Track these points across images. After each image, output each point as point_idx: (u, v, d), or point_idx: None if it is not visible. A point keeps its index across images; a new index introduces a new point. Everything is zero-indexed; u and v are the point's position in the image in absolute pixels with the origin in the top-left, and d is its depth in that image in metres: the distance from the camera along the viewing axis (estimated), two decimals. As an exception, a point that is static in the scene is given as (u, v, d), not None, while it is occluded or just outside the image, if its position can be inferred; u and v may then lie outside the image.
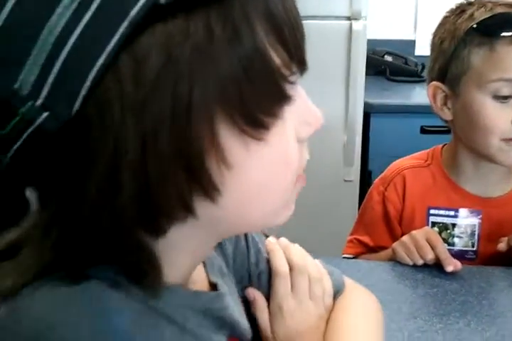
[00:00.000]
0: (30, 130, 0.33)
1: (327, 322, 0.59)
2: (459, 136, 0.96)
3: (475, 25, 0.88)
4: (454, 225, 0.98)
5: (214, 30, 0.32)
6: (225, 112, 0.33)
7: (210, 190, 0.36)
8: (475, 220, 0.97)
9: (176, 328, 0.40)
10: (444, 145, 1.03)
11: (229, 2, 0.32)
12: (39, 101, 0.32)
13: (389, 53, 2.17)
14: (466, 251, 0.98)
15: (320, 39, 1.77)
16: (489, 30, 0.87)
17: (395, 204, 1.01)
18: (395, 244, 0.93)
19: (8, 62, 0.31)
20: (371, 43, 2.13)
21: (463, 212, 0.97)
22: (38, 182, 0.35)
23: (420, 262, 0.90)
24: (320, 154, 1.87)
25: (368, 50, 2.15)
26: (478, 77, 0.88)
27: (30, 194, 0.36)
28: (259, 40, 0.33)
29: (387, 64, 2.16)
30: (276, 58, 0.34)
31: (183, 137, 0.33)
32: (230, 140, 0.35)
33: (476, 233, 0.97)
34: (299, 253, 0.60)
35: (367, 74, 2.15)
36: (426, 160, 1.01)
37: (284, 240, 0.62)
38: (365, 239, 1.03)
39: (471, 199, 0.97)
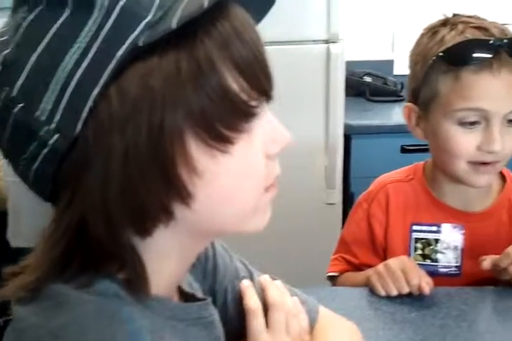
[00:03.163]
0: (45, 151, 0.42)
1: None
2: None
3: (441, 53, 0.90)
4: (436, 241, 1.01)
5: (181, 65, 0.41)
6: (193, 129, 0.42)
7: (184, 195, 0.44)
8: (458, 235, 1.00)
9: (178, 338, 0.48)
10: (427, 161, 1.07)
11: (194, 44, 0.41)
12: (52, 126, 0.42)
13: (368, 74, 2.23)
14: (450, 266, 1.02)
15: (298, 63, 1.82)
16: (455, 59, 0.90)
17: (380, 219, 1.04)
18: (370, 273, 0.95)
19: (34, 94, 0.42)
20: (350, 65, 2.19)
21: (445, 227, 1.00)
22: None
23: (394, 293, 0.92)
24: (301, 177, 1.90)
25: (348, 72, 2.21)
26: (445, 104, 0.91)
27: None
28: (220, 73, 0.42)
29: (367, 85, 2.22)
30: (236, 86, 0.43)
31: (158, 150, 0.42)
32: (198, 152, 0.43)
33: (459, 248, 1.01)
34: (276, 290, 0.64)
35: (347, 95, 2.20)
36: (408, 175, 1.05)
37: (265, 278, 0.65)
38: (350, 256, 1.06)
39: (453, 214, 1.01)
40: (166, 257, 0.48)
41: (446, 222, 1.00)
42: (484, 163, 0.92)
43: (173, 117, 0.41)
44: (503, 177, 1.04)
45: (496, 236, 1.01)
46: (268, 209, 0.50)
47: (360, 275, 1.01)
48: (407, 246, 1.02)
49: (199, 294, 0.56)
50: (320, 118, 1.84)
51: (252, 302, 0.63)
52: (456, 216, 1.00)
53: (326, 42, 1.77)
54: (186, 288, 0.56)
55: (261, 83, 0.45)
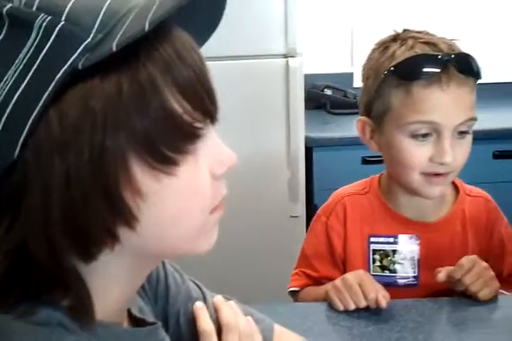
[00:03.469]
0: None
1: None
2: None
3: (392, 68, 0.93)
4: (394, 251, 1.03)
5: (123, 87, 0.41)
6: (136, 152, 0.42)
7: (129, 218, 0.43)
8: (414, 246, 1.02)
9: None
10: (382, 174, 1.09)
11: (136, 66, 0.41)
12: None
13: (328, 87, 2.26)
14: (408, 277, 1.03)
15: (258, 77, 1.84)
16: (405, 74, 0.92)
17: (339, 232, 1.05)
18: (329, 288, 0.96)
19: None
20: (311, 78, 2.22)
21: (402, 238, 1.02)
22: None
23: (352, 307, 0.93)
24: (265, 190, 1.91)
25: (308, 85, 2.24)
26: (397, 117, 0.94)
27: None
28: (162, 95, 0.42)
29: (327, 97, 2.25)
30: (179, 108, 0.43)
31: (100, 173, 0.41)
32: (142, 174, 0.43)
33: (416, 258, 1.02)
34: (230, 311, 0.64)
35: (308, 108, 2.23)
36: (364, 188, 1.07)
37: (218, 298, 0.65)
38: (310, 270, 1.07)
39: (408, 225, 1.03)
40: (112, 281, 0.48)
41: (402, 233, 1.02)
42: (437, 174, 0.94)
43: (115, 139, 0.41)
44: (456, 188, 1.06)
45: (450, 246, 1.03)
46: (215, 231, 0.50)
47: (320, 289, 1.02)
48: (366, 258, 1.04)
49: (150, 318, 0.56)
50: (281, 132, 1.85)
51: (205, 324, 0.62)
52: (412, 226, 1.02)
53: (285, 56, 1.79)
54: (136, 313, 0.55)
55: (205, 105, 0.45)
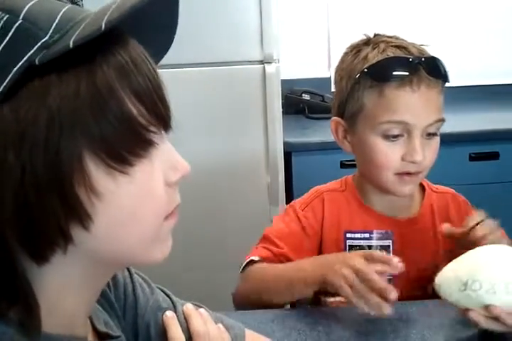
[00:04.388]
0: None
1: None
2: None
3: (366, 69, 0.97)
4: (369, 247, 1.04)
5: (80, 88, 0.42)
6: (91, 149, 0.42)
7: (82, 217, 0.43)
8: (388, 241, 1.04)
9: None
10: (354, 174, 1.11)
11: (94, 69, 0.42)
12: None
13: (306, 92, 2.27)
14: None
15: (235, 84, 1.84)
16: (378, 75, 0.96)
17: (313, 227, 1.05)
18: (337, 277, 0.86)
19: None
20: (289, 83, 2.23)
21: (376, 233, 1.04)
22: None
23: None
24: (245, 195, 1.92)
25: (286, 90, 2.25)
26: (370, 118, 0.97)
27: None
28: (119, 97, 0.43)
29: (305, 102, 2.27)
30: (134, 110, 0.44)
31: (56, 170, 0.41)
32: (97, 172, 0.43)
33: (390, 254, 1.02)
34: (200, 319, 0.63)
35: (287, 113, 2.24)
36: (341, 187, 1.10)
37: (188, 307, 0.65)
38: (272, 246, 1.03)
39: (383, 221, 1.05)
40: (66, 288, 0.47)
41: (377, 229, 1.04)
42: (409, 174, 0.98)
43: (72, 138, 0.41)
44: (421, 185, 1.10)
45: (422, 242, 1.06)
46: (169, 239, 0.50)
47: (282, 271, 0.95)
48: None
49: (115, 332, 0.56)
50: (260, 137, 1.86)
51: (175, 333, 0.62)
52: (386, 223, 1.05)
53: (261, 62, 1.80)
54: (101, 327, 0.55)
55: (159, 109, 0.46)
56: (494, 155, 2.05)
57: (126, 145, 0.44)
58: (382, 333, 0.90)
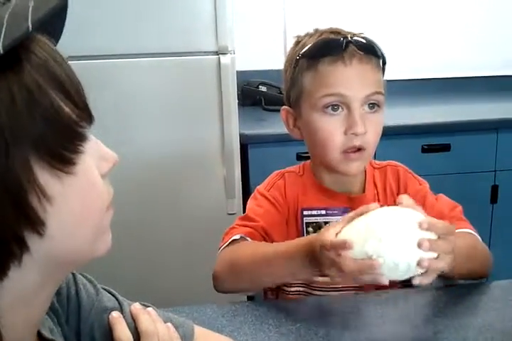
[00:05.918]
0: None
1: None
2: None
3: (301, 52, 1.02)
4: (326, 223, 1.04)
5: (14, 93, 0.42)
6: (36, 152, 0.43)
7: (36, 222, 0.43)
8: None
9: None
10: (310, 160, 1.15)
11: (21, 71, 0.42)
12: None
13: (263, 83, 2.27)
14: None
15: (190, 74, 1.82)
16: (312, 55, 1.01)
17: (281, 203, 1.08)
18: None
19: None
20: (245, 75, 2.22)
21: (333, 210, 1.06)
22: None
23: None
24: (201, 188, 1.90)
25: (243, 82, 2.24)
26: (309, 96, 1.02)
27: None
28: (49, 96, 0.44)
29: (262, 94, 2.26)
30: (64, 106, 0.45)
31: (5, 176, 0.41)
32: (44, 175, 0.44)
33: None
34: (148, 318, 0.62)
35: (244, 105, 2.22)
36: (299, 171, 1.14)
37: (135, 306, 0.64)
38: (250, 222, 1.04)
39: (338, 199, 1.08)
40: (19, 300, 0.46)
41: (333, 206, 1.06)
42: (354, 151, 1.01)
43: (18, 144, 0.41)
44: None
45: None
46: (108, 231, 0.51)
47: (273, 250, 0.94)
48: (300, 231, 1.06)
49: (59, 339, 0.54)
50: (215, 129, 1.85)
51: (121, 333, 0.61)
52: (341, 200, 1.07)
53: (216, 53, 1.78)
54: (47, 334, 0.54)
55: (85, 105, 0.47)
56: (446, 147, 2.09)
57: (65, 143, 0.44)
58: (331, 325, 0.90)
